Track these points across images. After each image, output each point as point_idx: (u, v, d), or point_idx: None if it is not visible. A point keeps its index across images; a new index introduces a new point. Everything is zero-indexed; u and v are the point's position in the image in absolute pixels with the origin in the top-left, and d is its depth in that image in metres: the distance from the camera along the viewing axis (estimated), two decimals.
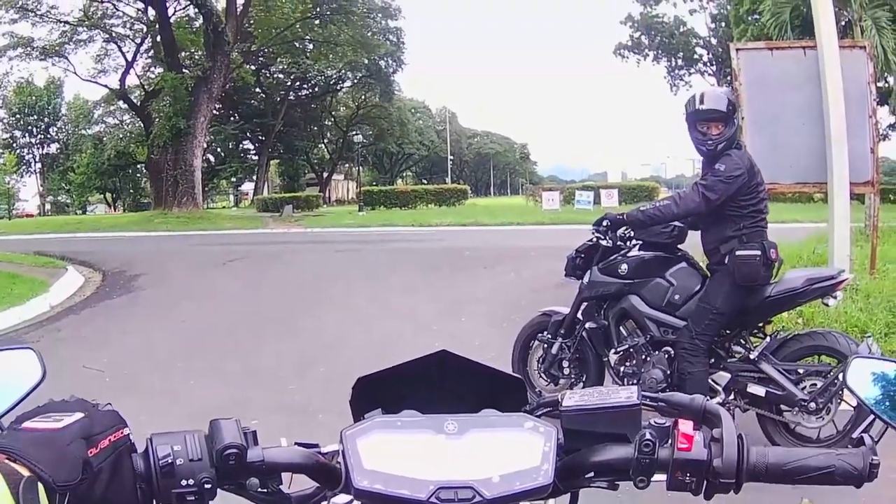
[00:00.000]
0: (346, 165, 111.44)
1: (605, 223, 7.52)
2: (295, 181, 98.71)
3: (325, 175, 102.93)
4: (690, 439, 1.37)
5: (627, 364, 7.45)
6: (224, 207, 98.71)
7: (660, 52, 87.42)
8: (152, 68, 69.55)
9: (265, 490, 1.43)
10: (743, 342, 7.18)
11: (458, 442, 1.42)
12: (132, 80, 70.07)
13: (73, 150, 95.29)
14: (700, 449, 1.37)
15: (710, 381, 7.05)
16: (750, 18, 57.67)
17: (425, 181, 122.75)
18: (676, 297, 7.28)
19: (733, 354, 7.17)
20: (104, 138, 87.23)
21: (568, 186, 68.40)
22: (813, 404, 6.71)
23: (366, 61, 77.01)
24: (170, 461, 1.33)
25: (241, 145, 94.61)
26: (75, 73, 68.11)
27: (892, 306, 10.65)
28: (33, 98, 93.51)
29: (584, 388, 6.11)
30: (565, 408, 1.51)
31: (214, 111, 66.13)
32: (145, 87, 67.73)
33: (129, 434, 1.32)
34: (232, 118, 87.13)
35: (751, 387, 6.93)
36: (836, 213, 11.84)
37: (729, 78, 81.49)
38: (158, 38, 60.41)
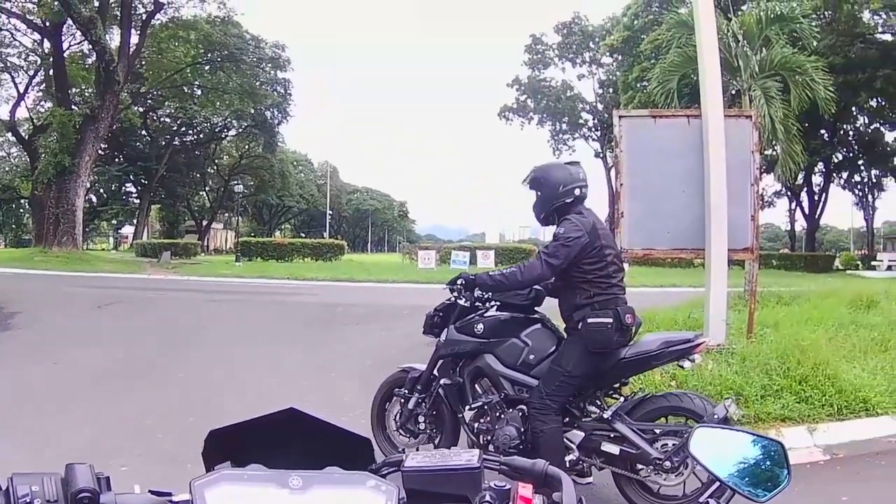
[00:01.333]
0: (226, 214, 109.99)
1: (459, 282, 7.57)
2: (175, 227, 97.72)
3: (205, 223, 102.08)
4: (529, 503, 1.44)
5: (482, 421, 7.47)
6: (104, 249, 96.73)
7: (545, 115, 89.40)
8: (43, 102, 69.46)
9: None
10: (598, 402, 7.26)
11: (301, 498, 1.49)
12: (22, 112, 69.29)
13: None
14: None
15: (564, 439, 7.09)
16: (638, 85, 59.01)
17: (303, 234, 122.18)
18: (531, 357, 7.34)
19: (588, 414, 7.24)
20: None
21: (445, 246, 68.87)
22: (668, 463, 6.81)
23: (252, 111, 77.43)
24: (28, 501, 1.39)
25: (123, 187, 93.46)
26: None
27: (767, 370, 10.80)
28: None
29: (440, 442, 7.64)
30: (407, 468, 1.58)
31: (100, 151, 65.14)
32: (34, 121, 67.12)
33: None
34: (116, 159, 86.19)
35: (605, 445, 7.02)
36: (713, 278, 12.23)
37: (612, 144, 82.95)
38: (51, 72, 59.80)
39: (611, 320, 6.98)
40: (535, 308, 7.72)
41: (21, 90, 66.42)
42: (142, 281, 37.09)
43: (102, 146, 66.09)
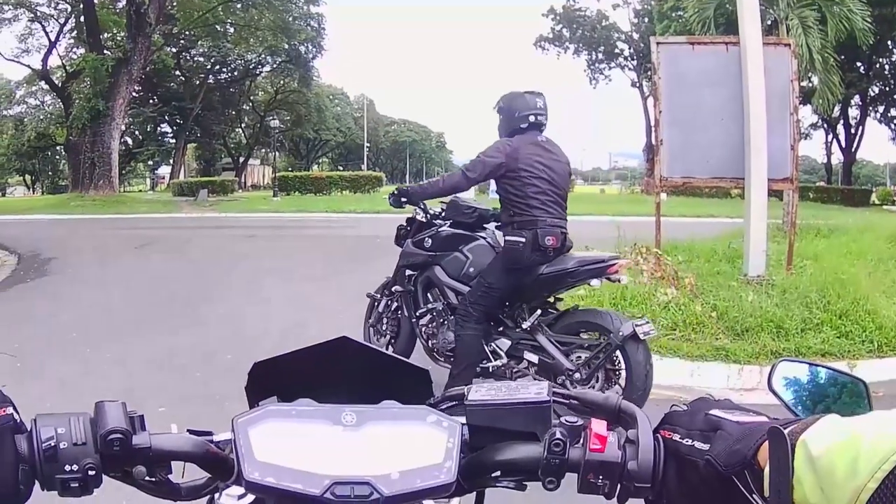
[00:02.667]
0: (263, 151, 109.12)
1: (394, 192, 8.30)
2: (211, 165, 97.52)
3: (242, 160, 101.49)
4: (604, 440, 1.32)
5: (429, 325, 8.34)
6: (140, 191, 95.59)
7: (581, 45, 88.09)
8: (75, 49, 68.67)
9: (152, 479, 1.36)
10: (524, 314, 7.77)
11: (355, 434, 1.38)
12: (55, 60, 68.68)
13: None
14: (614, 451, 1.32)
15: (494, 346, 7.79)
16: (674, 14, 57.81)
17: (341, 168, 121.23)
18: (471, 269, 7.98)
19: (520, 324, 7.73)
20: (25, 119, 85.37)
21: None
22: (578, 374, 7.38)
23: (286, 46, 76.41)
24: (53, 444, 1.27)
25: (158, 128, 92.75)
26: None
27: (807, 303, 10.69)
28: None
29: (397, 343, 8.54)
30: (470, 402, 1.44)
31: (134, 93, 64.83)
32: (67, 68, 66.45)
33: (12, 413, 1.28)
34: (150, 101, 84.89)
35: (527, 354, 7.67)
36: (752, 208, 12.07)
37: (649, 73, 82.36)
38: (82, 19, 59.26)
39: (523, 240, 7.51)
40: (484, 226, 8.35)
41: (52, 38, 66.07)
42: (179, 220, 36.74)
43: (136, 88, 65.82)
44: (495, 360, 7.80)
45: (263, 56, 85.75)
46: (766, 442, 1.15)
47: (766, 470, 1.13)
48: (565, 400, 1.50)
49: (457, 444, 1.36)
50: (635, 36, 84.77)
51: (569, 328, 7.70)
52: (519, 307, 7.87)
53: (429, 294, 8.47)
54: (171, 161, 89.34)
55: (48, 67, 67.14)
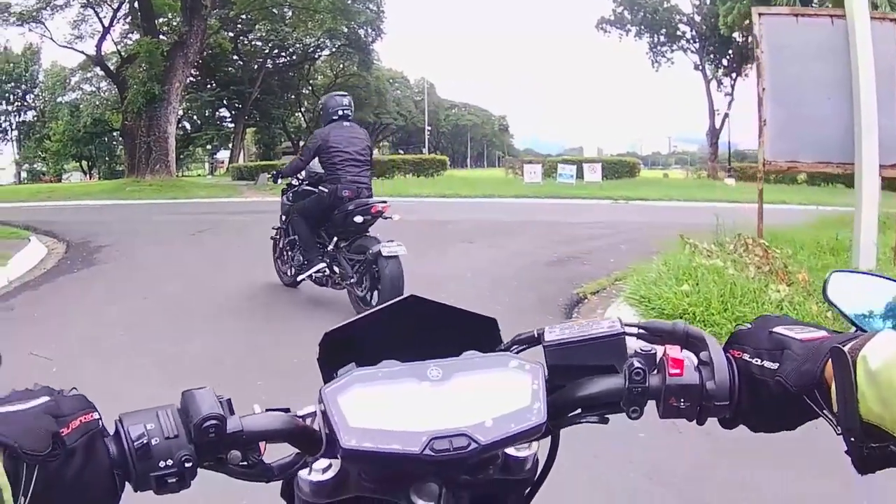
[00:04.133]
0: None
1: (275, 172, 13.33)
2: (271, 150, 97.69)
3: (301, 144, 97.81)
4: (681, 364, 1.32)
5: (292, 251, 12.62)
6: (199, 175, 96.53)
7: (642, 27, 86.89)
8: (129, 34, 67.99)
9: (246, 463, 1.30)
10: (327, 240, 11.67)
11: (444, 388, 1.34)
12: (109, 46, 68.47)
13: (49, 117, 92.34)
14: (691, 373, 1.32)
15: (318, 258, 11.73)
16: None
17: (401, 151, 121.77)
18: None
19: (326, 247, 11.64)
20: (81, 105, 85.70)
21: (549, 159, 66.95)
22: (353, 278, 10.97)
23: (345, 29, 76.13)
24: (145, 441, 1.19)
25: (217, 113, 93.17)
26: (52, 38, 66.87)
27: None
28: (10, 65, 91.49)
29: (289, 267, 12.61)
30: (549, 342, 1.42)
31: (191, 78, 65.64)
32: (122, 53, 65.76)
33: (99, 418, 1.18)
34: (208, 85, 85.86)
35: (335, 267, 11.44)
36: (863, 195, 11.05)
37: (712, 55, 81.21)
38: (136, 4, 58.82)
39: (327, 191, 11.31)
40: (320, 186, 11.74)
41: (105, 24, 65.55)
42: (237, 204, 36.11)
43: (193, 73, 66.94)
44: (319, 269, 11.73)
45: (322, 39, 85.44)
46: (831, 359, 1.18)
47: (833, 387, 1.17)
48: (634, 331, 1.49)
49: (541, 386, 1.34)
50: (697, 18, 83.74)
51: (358, 248, 11.04)
52: (330, 235, 11.59)
53: (291, 228, 12.59)
54: (230, 145, 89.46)
55: (102, 53, 66.91)
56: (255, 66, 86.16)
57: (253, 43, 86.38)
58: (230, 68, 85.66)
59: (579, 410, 1.41)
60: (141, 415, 1.23)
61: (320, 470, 1.44)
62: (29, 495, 1.05)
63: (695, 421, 1.35)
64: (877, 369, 1.09)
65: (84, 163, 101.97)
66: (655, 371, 1.34)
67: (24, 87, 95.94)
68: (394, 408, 1.30)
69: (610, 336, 1.41)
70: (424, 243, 17.50)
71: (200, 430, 1.22)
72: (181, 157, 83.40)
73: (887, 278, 1.67)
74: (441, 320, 1.59)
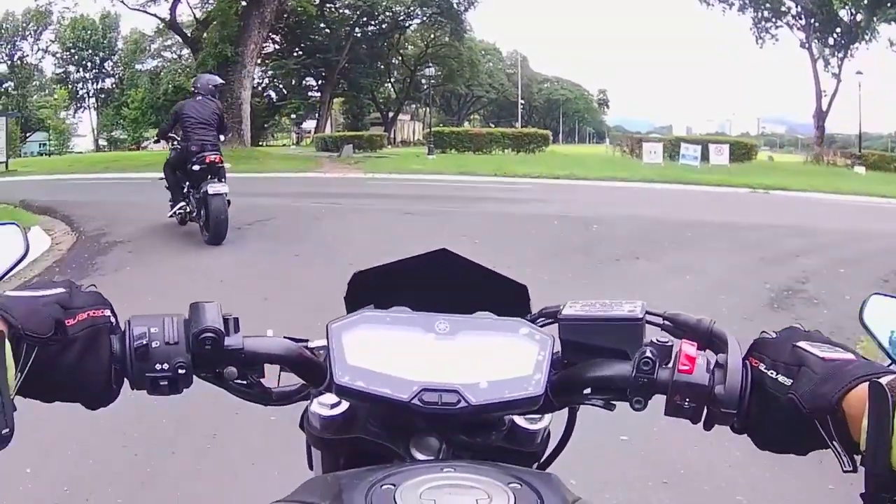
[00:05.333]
0: (413, 106, 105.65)
1: (157, 133, 22.62)
2: (359, 120, 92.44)
3: (391, 115, 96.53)
4: (692, 361, 1.27)
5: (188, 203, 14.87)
6: (285, 145, 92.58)
7: (746, 1, 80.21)
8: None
9: (243, 381, 1.37)
10: (188, 184, 14.55)
11: (448, 343, 1.36)
12: (184, 9, 63.56)
13: (127, 85, 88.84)
14: (702, 373, 1.27)
15: (180, 199, 14.94)
16: None
17: (492, 125, 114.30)
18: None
19: (191, 192, 14.45)
20: (161, 73, 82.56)
21: (663, 137, 61.22)
22: (194, 213, 14.38)
23: None
24: (144, 342, 1.27)
25: (303, 82, 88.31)
26: (122, 2, 62.05)
27: None
28: (87, 32, 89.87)
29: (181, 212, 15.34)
30: (564, 316, 1.43)
31: (275, 45, 64.29)
32: (197, 16, 61.10)
33: (109, 315, 1.28)
34: (294, 53, 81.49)
35: (188, 206, 14.71)
36: None
37: (818, 34, 74.83)
38: None
39: (180, 147, 14.49)
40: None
41: None
42: (314, 182, 30.36)
43: (278, 39, 66.05)
44: (181, 207, 14.94)
45: (413, 8, 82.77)
46: (857, 388, 1.10)
47: (864, 423, 1.07)
48: (658, 321, 1.47)
49: (547, 358, 1.34)
50: None
51: (199, 190, 13.70)
52: (192, 183, 14.22)
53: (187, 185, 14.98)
54: (317, 115, 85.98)
55: (177, 16, 62.03)
56: (343, 34, 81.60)
57: (340, 10, 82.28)
58: (317, 36, 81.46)
59: (587, 391, 1.37)
60: (149, 319, 1.28)
61: (328, 405, 1.44)
62: (25, 372, 1.13)
63: (700, 425, 1.29)
64: None
65: None
66: (668, 364, 1.28)
67: (102, 54, 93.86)
68: (394, 353, 1.31)
69: (627, 320, 1.37)
70: (577, 261, 12.56)
71: (197, 341, 1.26)
72: (267, 126, 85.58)
73: None
74: (470, 279, 1.58)
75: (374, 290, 1.54)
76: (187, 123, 13.91)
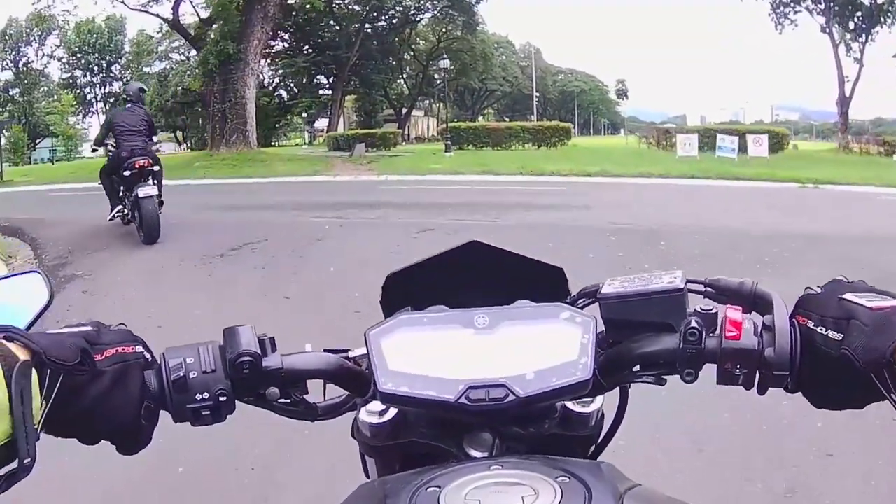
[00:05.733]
0: (427, 101, 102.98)
1: (95, 143, 17.28)
2: (372, 117, 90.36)
3: (404, 111, 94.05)
4: (739, 326, 1.24)
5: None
6: (297, 145, 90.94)
7: None
8: None
9: (287, 400, 1.35)
10: (122, 188, 15.02)
11: (489, 337, 1.32)
12: (188, 8, 63.41)
13: None
14: (750, 337, 1.23)
15: (117, 202, 15.44)
16: None
17: (507, 118, 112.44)
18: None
19: (126, 196, 14.88)
20: (169, 75, 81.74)
21: (689, 128, 59.03)
22: (131, 217, 14.88)
23: None
24: (182, 374, 1.24)
25: (314, 80, 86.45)
26: (123, 2, 58.76)
27: None
28: (93, 36, 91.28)
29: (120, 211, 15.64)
30: (604, 296, 1.40)
31: (284, 43, 62.79)
32: (201, 15, 57.27)
33: (142, 351, 1.25)
34: (304, 51, 79.70)
35: (125, 210, 15.10)
36: None
37: (838, 18, 72.21)
38: None
39: (112, 153, 14.80)
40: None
41: None
42: (322, 188, 27.62)
43: (286, 37, 64.26)
44: (118, 210, 15.33)
45: (423, 2, 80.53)
46: None
47: None
48: (699, 288, 1.46)
49: (591, 340, 1.30)
50: None
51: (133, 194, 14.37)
52: (126, 187, 14.67)
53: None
54: (329, 113, 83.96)
55: (180, 16, 58.86)
56: (353, 31, 79.14)
57: (349, 6, 79.58)
58: (326, 32, 79.40)
59: (636, 369, 1.35)
60: (184, 349, 1.26)
61: (377, 413, 1.43)
62: (51, 401, 1.08)
63: (754, 390, 1.26)
64: None
65: (178, 133, 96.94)
66: (714, 332, 1.25)
67: (108, 57, 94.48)
68: (436, 354, 1.28)
69: (669, 292, 1.35)
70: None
71: (235, 366, 1.24)
72: (278, 125, 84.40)
73: None
74: (504, 268, 1.55)
75: (408, 290, 1.51)
76: (118, 131, 14.66)
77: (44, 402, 1.05)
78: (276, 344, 1.29)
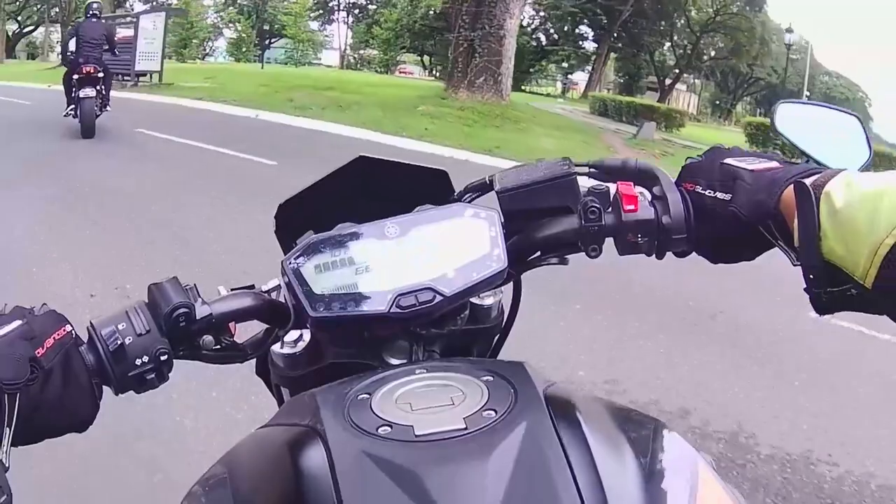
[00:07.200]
0: (689, 76, 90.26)
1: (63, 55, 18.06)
2: (635, 82, 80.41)
3: (667, 82, 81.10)
4: (635, 200, 1.28)
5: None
6: (549, 95, 76.71)
7: None
8: None
9: (219, 346, 1.27)
10: (75, 89, 15.79)
11: (403, 244, 1.29)
12: None
13: (382, 2, 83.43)
14: (646, 208, 1.28)
15: (71, 101, 16.23)
16: None
17: (760, 112, 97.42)
18: None
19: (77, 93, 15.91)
20: None
21: None
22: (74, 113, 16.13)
23: None
24: (119, 342, 1.13)
25: (577, 29, 76.70)
26: None
27: None
28: None
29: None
30: (502, 189, 1.37)
31: None
32: None
33: (72, 330, 1.14)
34: None
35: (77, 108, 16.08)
36: None
37: None
38: None
39: (73, 57, 15.73)
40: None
41: None
42: None
43: None
44: (72, 108, 15.96)
45: None
46: (788, 190, 1.15)
47: (795, 222, 1.12)
48: (585, 170, 1.43)
49: (499, 231, 1.30)
50: None
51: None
52: (76, 89, 15.45)
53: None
54: (590, 68, 73.91)
55: None
56: None
57: None
58: None
59: (538, 253, 1.36)
60: (112, 318, 1.16)
61: (291, 342, 1.41)
62: (13, 425, 1.01)
63: (654, 256, 1.31)
64: (840, 208, 1.05)
65: (425, 57, 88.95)
66: (610, 209, 1.29)
67: None
68: (356, 269, 1.25)
69: (561, 177, 1.34)
70: None
71: (171, 321, 1.17)
72: (531, 70, 76.48)
73: (827, 106, 1.60)
74: (392, 178, 1.53)
75: (303, 217, 1.43)
76: (80, 41, 15.74)
77: (7, 429, 0.98)
78: (198, 291, 1.21)
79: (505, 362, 1.15)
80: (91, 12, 16.42)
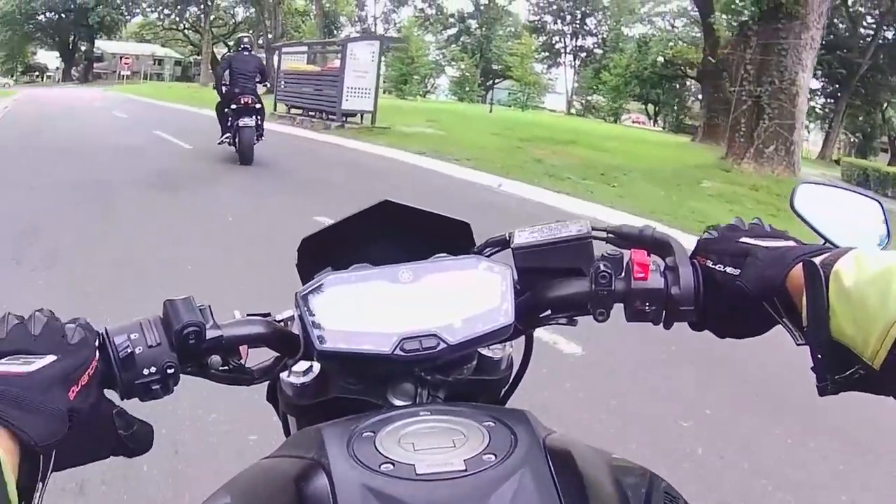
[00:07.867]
0: None
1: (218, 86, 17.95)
2: (869, 142, 73.16)
3: None
4: (646, 268, 1.28)
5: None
6: (804, 158, 68.38)
7: None
8: None
9: (227, 367, 1.28)
10: (230, 119, 17.05)
11: (414, 290, 1.32)
12: None
13: (611, 47, 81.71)
14: (656, 278, 1.27)
15: (226, 130, 17.39)
16: None
17: None
18: None
19: (233, 123, 17.10)
20: (650, 41, 72.47)
21: None
22: (234, 142, 17.53)
23: None
24: (129, 351, 1.15)
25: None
26: None
27: None
28: None
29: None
30: (517, 246, 1.39)
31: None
32: None
33: (98, 359, 1.12)
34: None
35: (235, 137, 17.09)
36: None
37: None
38: None
39: (226, 89, 16.57)
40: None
41: None
42: None
43: None
44: (226, 136, 16.89)
45: None
46: (796, 268, 1.14)
47: (803, 300, 1.11)
48: (603, 234, 1.45)
49: (510, 287, 1.31)
50: None
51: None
52: (233, 118, 16.30)
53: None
54: (826, 126, 67.13)
55: None
56: (862, 32, 62.06)
57: (855, 8, 62.00)
58: (839, 24, 61.55)
59: (548, 312, 1.36)
60: (126, 327, 1.18)
61: (301, 372, 1.41)
62: (46, 480, 0.97)
63: (661, 325, 1.30)
64: (850, 287, 1.03)
65: (650, 106, 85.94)
66: (622, 275, 1.28)
67: (583, 9, 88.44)
68: (366, 310, 1.27)
69: (577, 239, 1.36)
70: None
71: (181, 337, 1.18)
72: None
73: (849, 189, 1.60)
74: (415, 224, 1.54)
75: (325, 253, 1.49)
76: (234, 73, 16.61)
77: (40, 484, 0.94)
78: (212, 313, 1.22)
79: (507, 409, 1.16)
80: (242, 45, 17.50)
